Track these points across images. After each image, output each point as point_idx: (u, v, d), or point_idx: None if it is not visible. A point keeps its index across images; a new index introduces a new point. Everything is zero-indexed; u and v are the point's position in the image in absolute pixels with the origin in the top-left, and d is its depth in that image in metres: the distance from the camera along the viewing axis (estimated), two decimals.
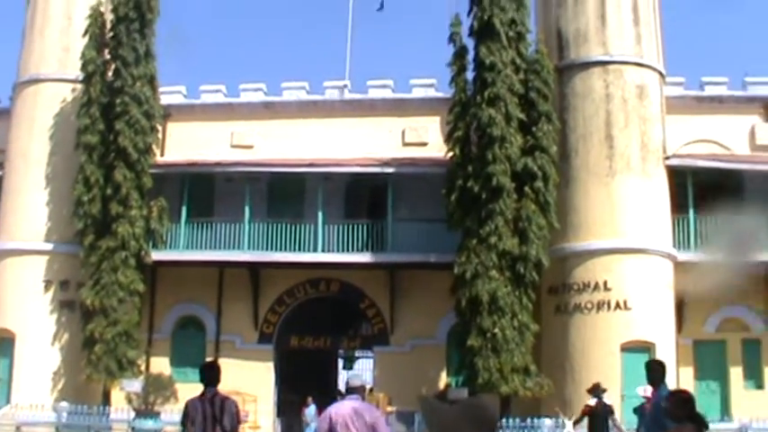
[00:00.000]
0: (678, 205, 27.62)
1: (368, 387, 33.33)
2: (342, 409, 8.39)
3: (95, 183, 28.43)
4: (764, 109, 30.94)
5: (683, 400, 7.45)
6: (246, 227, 29.03)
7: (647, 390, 15.67)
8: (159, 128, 30.43)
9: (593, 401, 18.91)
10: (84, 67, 29.26)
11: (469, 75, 27.21)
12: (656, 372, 10.24)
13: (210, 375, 9.01)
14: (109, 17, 29.87)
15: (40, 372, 28.47)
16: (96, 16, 29.71)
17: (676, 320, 27.23)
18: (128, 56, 28.94)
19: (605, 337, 25.85)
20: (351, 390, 8.65)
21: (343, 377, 36.90)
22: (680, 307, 27.50)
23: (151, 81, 29.58)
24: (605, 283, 26.21)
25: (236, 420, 8.86)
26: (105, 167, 28.55)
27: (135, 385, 26.66)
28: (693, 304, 27.85)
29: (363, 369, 35.23)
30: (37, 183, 29.85)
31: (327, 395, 25.39)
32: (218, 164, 30.15)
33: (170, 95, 31.83)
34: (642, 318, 25.99)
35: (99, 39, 29.60)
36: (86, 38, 29.42)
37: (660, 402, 10.00)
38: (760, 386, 27.99)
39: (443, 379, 28.38)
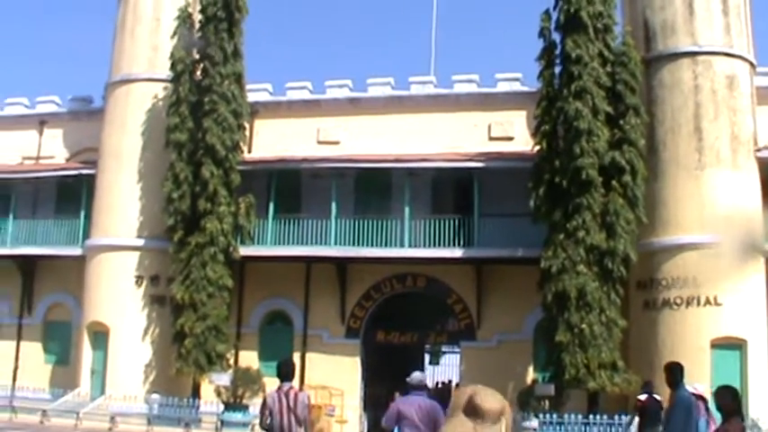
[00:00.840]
0: None
1: (454, 382, 33.44)
2: (408, 403, 9.35)
3: (184, 180, 28.96)
4: None
5: (736, 395, 7.70)
6: (333, 222, 29.27)
7: (696, 388, 15.80)
8: (246, 125, 30.89)
9: (643, 397, 18.69)
10: (173, 67, 29.88)
11: (556, 68, 27.02)
12: (674, 373, 10.51)
13: (286, 371, 10.06)
14: (197, 17, 30.40)
15: (132, 364, 29.15)
16: (185, 17, 30.30)
17: None
18: (216, 55, 29.43)
19: (695, 333, 25.39)
20: (414, 387, 9.54)
21: (429, 372, 37.02)
22: None
23: (239, 79, 30.01)
24: (695, 279, 25.75)
25: (308, 411, 10.00)
26: (194, 165, 29.07)
27: (224, 379, 27.09)
28: None
29: (450, 364, 35.34)
30: (128, 180, 30.54)
31: None
32: (304, 160, 30.42)
33: (257, 93, 32.34)
34: (733, 314, 25.44)
35: (188, 39, 30.13)
36: (175, 38, 29.98)
37: (684, 401, 10.17)
38: None
39: (530, 374, 28.25)
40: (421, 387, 9.55)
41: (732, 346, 25.19)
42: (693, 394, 16.38)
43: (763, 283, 26.31)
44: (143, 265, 30.05)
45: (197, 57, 30.26)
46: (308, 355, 29.99)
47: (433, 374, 37.57)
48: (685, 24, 27.85)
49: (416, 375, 9.61)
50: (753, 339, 25.51)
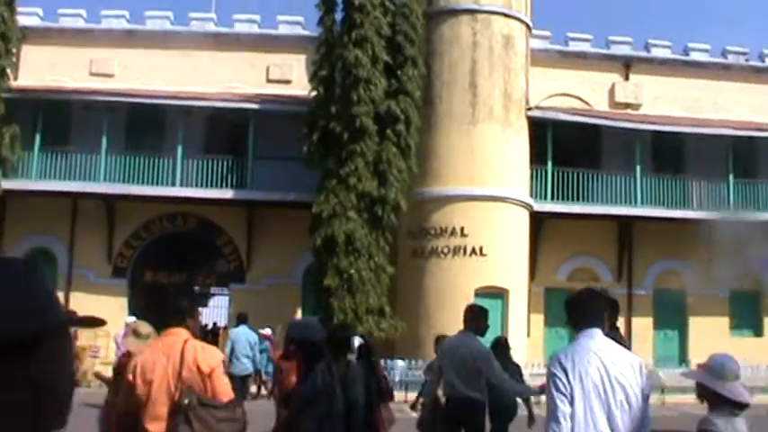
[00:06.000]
0: (537, 156, 28.16)
1: (221, 324, 33.08)
2: None
3: None
4: (625, 67, 31.87)
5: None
6: (103, 158, 28.21)
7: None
8: (14, 51, 29.25)
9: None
10: None
11: (338, 15, 26.95)
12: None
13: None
14: None
15: None
16: None
17: (530, 268, 27.87)
18: None
19: (460, 281, 26.14)
20: None
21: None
22: (534, 255, 28.18)
23: (9, 2, 28.26)
24: (462, 229, 26.54)
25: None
26: None
27: None
28: (546, 254, 28.69)
29: (219, 306, 35.11)
30: None
31: None
32: (75, 91, 29.14)
33: (26, 17, 30.42)
34: (497, 264, 26.43)
35: None
36: None
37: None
38: None
39: (298, 317, 28.35)
40: None
41: (495, 295, 26.10)
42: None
43: (526, 236, 27.48)
44: None
45: None
46: (73, 294, 28.90)
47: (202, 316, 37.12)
48: None
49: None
50: (514, 288, 26.66)
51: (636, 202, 28.85)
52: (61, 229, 29.48)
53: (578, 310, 5.36)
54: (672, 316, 30.21)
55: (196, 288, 30.32)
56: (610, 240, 29.91)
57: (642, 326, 29.75)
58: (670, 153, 30.10)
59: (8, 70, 28.38)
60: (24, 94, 28.90)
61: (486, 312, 9.76)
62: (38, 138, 28.55)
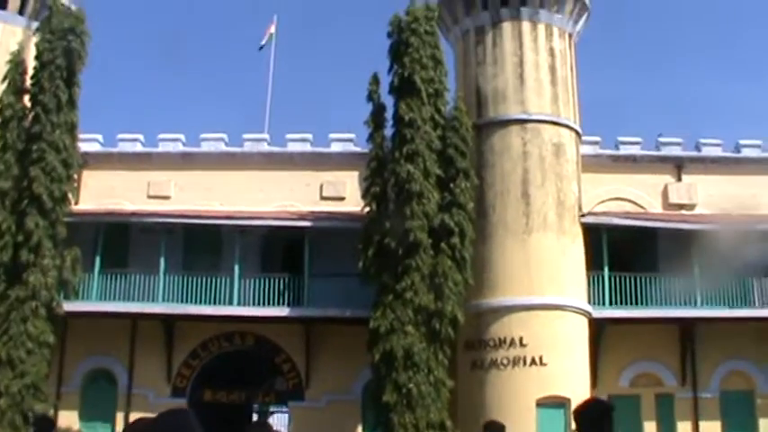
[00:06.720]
0: (593, 262, 27.99)
1: None
2: None
3: (7, 230, 27.68)
4: (676, 168, 31.76)
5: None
6: (161, 279, 28.55)
7: None
8: (75, 176, 29.95)
9: None
10: (1, 113, 28.69)
11: (388, 131, 27.34)
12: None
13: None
14: (30, 63, 29.41)
15: None
16: (17, 62, 29.26)
17: (591, 376, 27.46)
18: (49, 102, 28.39)
19: (521, 392, 25.93)
20: None
21: None
22: (594, 362, 27.78)
23: (71, 129, 29.01)
24: (521, 340, 26.33)
25: None
26: (18, 214, 27.86)
27: None
28: (608, 361, 28.24)
29: (279, 424, 34.92)
30: None
31: None
32: (133, 214, 29.75)
33: (86, 143, 31.33)
34: (558, 374, 26.14)
35: (19, 84, 29.11)
36: (5, 84, 28.89)
37: None
38: None
39: None
40: None
41: (557, 404, 25.78)
42: None
43: (586, 343, 27.15)
44: None
45: (28, 103, 29.21)
46: (133, 416, 28.99)
47: None
48: (515, 93, 28.73)
49: None
50: (576, 397, 26.02)
51: (696, 304, 28.44)
52: (121, 350, 29.69)
53: (584, 419, 5.74)
54: (741, 418, 29.34)
55: (255, 406, 30.40)
56: (671, 344, 29.35)
57: (710, 430, 29.00)
58: (728, 251, 29.75)
59: (69, 195, 29.03)
60: (85, 217, 29.57)
61: (504, 428, 10.78)
62: (98, 260, 29.05)
